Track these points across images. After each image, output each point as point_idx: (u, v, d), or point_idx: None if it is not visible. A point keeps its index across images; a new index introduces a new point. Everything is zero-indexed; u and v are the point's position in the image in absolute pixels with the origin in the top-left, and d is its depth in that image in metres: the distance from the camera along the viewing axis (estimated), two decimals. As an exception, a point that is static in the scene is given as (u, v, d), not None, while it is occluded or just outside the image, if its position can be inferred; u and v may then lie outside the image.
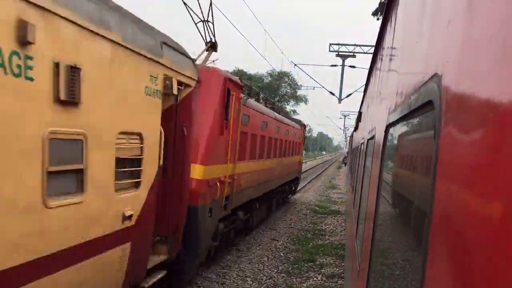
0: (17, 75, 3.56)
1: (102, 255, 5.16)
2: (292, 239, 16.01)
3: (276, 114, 17.41)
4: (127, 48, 5.25)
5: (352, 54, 27.39)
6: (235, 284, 10.53)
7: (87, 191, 4.69)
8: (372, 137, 4.79)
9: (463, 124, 1.14)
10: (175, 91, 6.75)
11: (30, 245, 3.92)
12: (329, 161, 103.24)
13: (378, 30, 5.54)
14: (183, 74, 7.09)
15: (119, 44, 5.07)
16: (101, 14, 4.71)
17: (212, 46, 10.91)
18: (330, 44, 27.54)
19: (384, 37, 4.78)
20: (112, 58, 4.95)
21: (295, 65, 30.18)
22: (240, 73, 55.51)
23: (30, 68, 3.69)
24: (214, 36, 10.79)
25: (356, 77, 28.48)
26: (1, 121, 3.45)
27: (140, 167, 5.97)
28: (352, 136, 29.11)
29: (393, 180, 2.77)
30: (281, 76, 61.81)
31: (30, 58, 3.68)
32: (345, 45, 27.45)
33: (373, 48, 6.78)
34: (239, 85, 11.24)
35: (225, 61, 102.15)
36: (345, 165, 55.17)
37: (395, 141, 2.76)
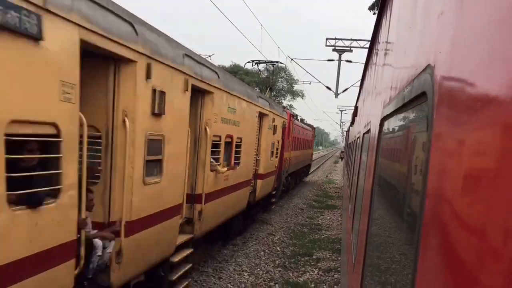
0: None
1: (171, 220, 7.57)
2: (289, 234, 16.04)
3: (300, 123, 28.97)
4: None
5: (348, 48, 27.34)
6: (232, 279, 10.54)
7: (162, 174, 6.88)
8: (368, 131, 4.79)
9: (456, 114, 1.13)
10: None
11: (142, 205, 6.35)
12: (325, 156, 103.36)
13: (373, 24, 5.53)
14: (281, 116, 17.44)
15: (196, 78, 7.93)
16: (177, 55, 7.10)
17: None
18: (327, 39, 27.48)
19: (380, 31, 4.77)
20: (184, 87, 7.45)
21: (292, 59, 30.14)
22: (236, 67, 55.34)
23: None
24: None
25: (352, 72, 28.47)
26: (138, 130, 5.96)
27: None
28: (348, 131, 29.15)
29: (388, 173, 2.77)
30: (278, 71, 61.72)
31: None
32: (341, 39, 27.38)
33: (369, 44, 6.77)
34: (294, 115, 24.81)
35: (221, 55, 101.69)
36: (341, 160, 55.23)
37: (390, 134, 2.76)
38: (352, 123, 17.39)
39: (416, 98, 1.68)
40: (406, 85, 1.95)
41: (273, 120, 15.94)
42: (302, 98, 66.60)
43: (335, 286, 10.62)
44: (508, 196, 0.74)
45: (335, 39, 27.48)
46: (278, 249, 13.82)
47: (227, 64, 55.90)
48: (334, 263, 12.61)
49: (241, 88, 11.67)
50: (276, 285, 10.49)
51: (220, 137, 9.75)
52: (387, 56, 3.52)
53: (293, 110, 61.13)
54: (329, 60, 29.09)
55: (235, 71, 50.89)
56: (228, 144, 10.65)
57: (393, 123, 2.56)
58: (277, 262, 12.40)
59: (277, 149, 17.65)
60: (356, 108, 13.13)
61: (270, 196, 18.52)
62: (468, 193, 0.97)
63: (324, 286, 10.67)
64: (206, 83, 8.40)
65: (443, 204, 1.16)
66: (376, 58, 5.14)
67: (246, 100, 11.73)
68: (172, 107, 6.86)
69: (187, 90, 7.41)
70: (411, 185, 1.88)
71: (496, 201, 0.79)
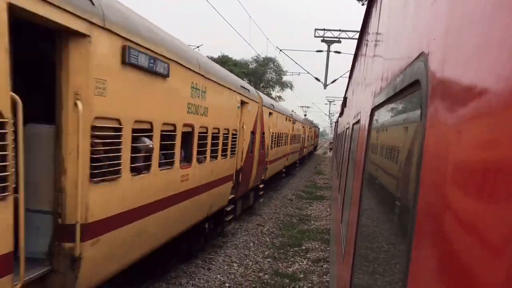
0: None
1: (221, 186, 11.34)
2: (278, 225, 16.09)
3: (307, 122, 45.42)
4: (227, 87, 11.10)
5: (337, 39, 27.34)
6: (222, 269, 10.56)
7: (207, 158, 9.77)
8: (358, 121, 4.78)
9: (451, 102, 1.11)
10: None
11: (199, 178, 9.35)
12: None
13: (363, 15, 5.50)
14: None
15: (225, 86, 10.86)
16: (223, 75, 11.04)
17: None
18: (315, 30, 27.44)
19: (369, 21, 4.74)
20: (219, 91, 10.38)
21: (280, 50, 30.07)
22: (225, 58, 55.09)
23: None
24: None
25: (341, 63, 28.49)
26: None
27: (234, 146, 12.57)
28: (337, 121, 29.26)
29: (378, 163, 2.76)
30: (266, 62, 61.56)
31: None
32: (330, 30, 27.36)
33: (358, 34, 6.75)
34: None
35: (209, 46, 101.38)
36: (330, 151, 56.13)
37: (381, 124, 2.74)
38: (341, 114, 17.42)
39: (409, 87, 1.65)
40: (399, 73, 1.93)
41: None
42: (291, 89, 66.63)
43: (324, 276, 10.69)
44: (503, 187, 0.72)
45: (324, 29, 27.47)
46: (267, 240, 13.87)
47: (215, 55, 55.57)
48: (323, 253, 12.69)
49: None
50: (266, 275, 10.53)
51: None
52: (378, 45, 3.50)
53: (281, 102, 61.18)
54: (318, 51, 29.08)
55: (223, 61, 50.65)
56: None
57: (384, 113, 2.54)
58: (267, 253, 12.44)
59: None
60: (345, 98, 13.15)
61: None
62: (463, 183, 0.95)
63: (313, 276, 10.74)
64: None
65: (437, 194, 1.14)
66: (366, 48, 5.12)
67: None
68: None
69: None
70: (403, 175, 1.86)
71: (492, 192, 0.77)
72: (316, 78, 29.32)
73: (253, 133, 14.99)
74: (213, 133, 9.97)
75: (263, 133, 17.13)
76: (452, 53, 1.17)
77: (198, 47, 31.97)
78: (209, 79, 9.21)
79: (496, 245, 0.71)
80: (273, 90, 64.29)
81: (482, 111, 0.88)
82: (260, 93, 17.14)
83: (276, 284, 10.00)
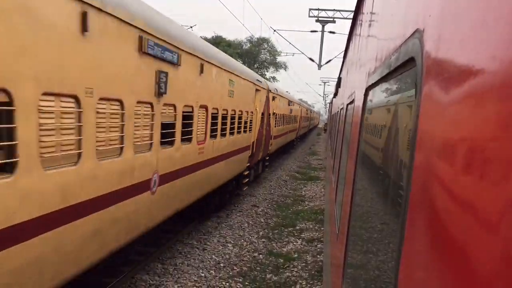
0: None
1: (239, 155, 14.53)
2: (272, 205, 16.19)
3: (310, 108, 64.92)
4: (247, 80, 14.62)
5: (332, 19, 27.08)
6: (216, 250, 10.64)
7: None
8: (352, 101, 4.76)
9: (446, 79, 1.09)
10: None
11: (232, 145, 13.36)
12: (307, 127, 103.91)
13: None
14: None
15: (243, 78, 14.03)
16: (246, 72, 14.97)
17: None
18: (310, 9, 27.14)
19: (364, 0, 4.68)
20: (241, 83, 13.55)
21: (274, 30, 29.78)
22: (219, 39, 54.58)
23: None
24: None
25: (336, 43, 28.32)
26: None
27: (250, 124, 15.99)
28: (331, 102, 29.22)
29: (372, 143, 2.75)
30: (260, 43, 61.08)
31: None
32: (324, 10, 27.07)
33: (353, 13, 6.68)
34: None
35: (203, 26, 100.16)
36: (325, 132, 56.17)
37: (375, 103, 2.73)
38: (336, 94, 17.40)
39: (404, 65, 1.63)
40: (393, 52, 1.90)
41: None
42: (285, 70, 66.33)
43: (318, 256, 10.81)
44: (497, 165, 0.71)
45: (318, 9, 27.18)
46: (262, 220, 13.96)
47: (209, 35, 55.04)
48: (317, 234, 12.81)
49: None
50: (260, 255, 10.63)
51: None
52: (372, 24, 3.46)
53: (276, 82, 60.91)
54: (312, 31, 28.84)
55: (217, 42, 50.19)
56: None
57: (379, 92, 2.52)
58: (261, 233, 12.54)
59: None
60: (339, 79, 13.10)
61: None
62: (457, 162, 0.94)
63: (308, 256, 10.86)
64: None
65: (430, 173, 1.13)
66: (360, 27, 5.07)
67: None
68: None
69: None
70: (397, 155, 1.85)
71: (485, 170, 0.76)
72: (310, 59, 29.14)
73: (262, 114, 18.77)
74: (238, 114, 13.80)
75: (269, 114, 20.71)
76: (448, 30, 1.14)
77: (191, 27, 31.60)
78: (237, 75, 12.96)
79: (489, 222, 0.71)
80: (267, 71, 63.98)
81: (477, 90, 0.87)
82: (267, 82, 21.25)
83: (270, 264, 10.10)
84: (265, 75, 61.18)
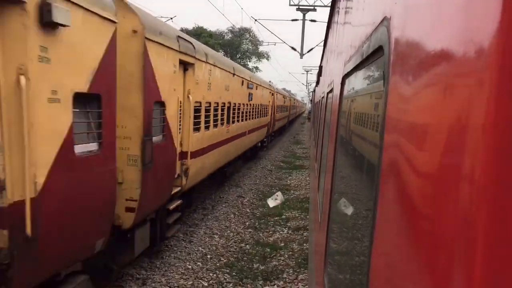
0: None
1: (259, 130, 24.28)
2: (258, 195, 16.24)
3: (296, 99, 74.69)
4: (266, 88, 27.66)
5: (312, 7, 27.01)
6: (203, 241, 10.66)
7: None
8: (331, 90, 4.78)
9: (412, 68, 1.10)
10: None
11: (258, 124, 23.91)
12: (291, 116, 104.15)
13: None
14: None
15: (265, 87, 27.30)
16: (263, 82, 26.85)
17: None
18: (290, -2, 27.01)
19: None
20: (262, 88, 25.56)
21: (256, 20, 29.63)
22: (200, 30, 54.14)
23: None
24: None
25: (317, 32, 28.30)
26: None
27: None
28: (314, 91, 29.29)
29: (349, 130, 2.78)
30: (242, 33, 60.79)
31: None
32: (305, -2, 26.97)
33: (331, 1, 6.68)
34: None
35: (183, 17, 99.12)
36: (309, 121, 56.17)
37: (350, 92, 2.75)
38: (317, 83, 17.46)
39: (374, 53, 1.64)
40: (365, 40, 1.92)
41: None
42: (268, 59, 66.20)
43: (305, 244, 10.90)
44: (456, 146, 0.73)
45: (299, -3, 27.05)
46: (248, 210, 14.01)
47: (190, 27, 54.51)
48: (303, 222, 12.90)
49: None
50: (247, 246, 10.68)
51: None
52: (348, 11, 3.47)
53: (259, 73, 60.78)
54: (293, 20, 28.74)
55: (198, 33, 49.78)
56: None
57: (354, 80, 2.54)
58: (247, 223, 12.59)
59: None
60: (320, 67, 13.13)
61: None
62: (423, 146, 0.96)
63: (294, 245, 10.94)
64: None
65: (398, 157, 1.15)
66: (338, 15, 5.08)
67: None
68: None
69: None
70: (369, 143, 1.87)
71: (448, 150, 0.78)
72: (292, 48, 29.10)
73: (272, 106, 29.80)
74: (261, 105, 23.51)
75: (273, 106, 30.61)
76: (413, 17, 1.15)
77: (171, 18, 31.25)
78: (258, 84, 22.11)
79: (454, 197, 0.73)
80: (249, 61, 63.80)
81: (443, 76, 0.88)
82: (272, 84, 30.25)
83: (257, 254, 10.16)
84: (248, 65, 60.97)
